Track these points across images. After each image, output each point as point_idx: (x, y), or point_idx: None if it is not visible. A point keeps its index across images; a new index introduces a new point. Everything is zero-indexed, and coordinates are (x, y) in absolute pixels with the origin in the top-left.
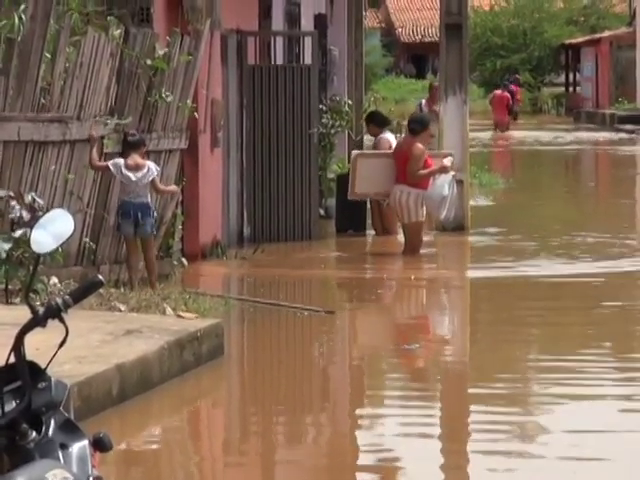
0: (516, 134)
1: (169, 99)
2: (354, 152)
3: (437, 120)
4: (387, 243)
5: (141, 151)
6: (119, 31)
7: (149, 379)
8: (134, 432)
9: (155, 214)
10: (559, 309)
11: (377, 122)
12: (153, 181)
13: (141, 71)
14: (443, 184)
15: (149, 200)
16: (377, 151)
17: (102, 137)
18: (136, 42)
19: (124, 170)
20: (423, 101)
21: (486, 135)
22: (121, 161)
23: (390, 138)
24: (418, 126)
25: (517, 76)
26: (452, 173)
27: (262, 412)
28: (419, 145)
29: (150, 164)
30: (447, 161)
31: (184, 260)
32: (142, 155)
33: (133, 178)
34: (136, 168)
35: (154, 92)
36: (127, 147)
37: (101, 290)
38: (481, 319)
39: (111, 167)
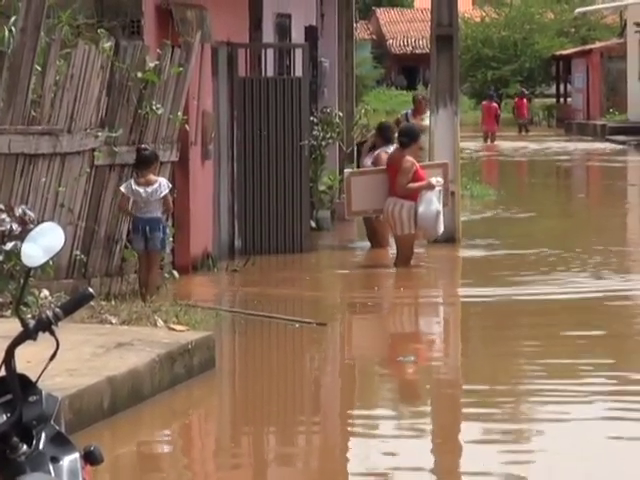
0: (507, 145)
1: (160, 111)
2: (346, 171)
3: (422, 132)
4: (379, 256)
5: (154, 166)
6: (109, 43)
7: (140, 392)
8: (125, 445)
9: (167, 230)
10: (552, 329)
11: (384, 136)
12: (165, 198)
13: (132, 83)
14: (432, 199)
15: (159, 215)
16: (368, 168)
17: (93, 150)
18: (127, 54)
19: (134, 186)
20: (409, 111)
21: (475, 146)
22: (131, 180)
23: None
24: (406, 139)
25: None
26: (438, 188)
27: (253, 425)
28: (408, 158)
29: (162, 180)
30: (434, 180)
31: (175, 272)
32: (155, 170)
33: (143, 194)
34: (146, 184)
35: (145, 104)
36: (138, 163)
37: (92, 303)
38: (473, 331)
39: (124, 190)
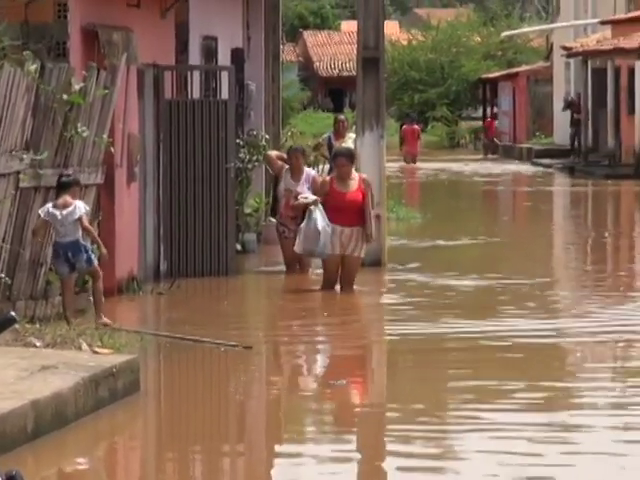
0: (433, 166)
1: (85, 134)
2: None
3: None
4: (304, 280)
5: (73, 191)
6: (35, 65)
7: (64, 415)
8: (48, 469)
9: (89, 247)
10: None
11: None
12: (80, 219)
13: (57, 106)
14: (315, 217)
15: (78, 238)
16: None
17: (18, 172)
18: (52, 76)
19: (51, 209)
20: (331, 134)
21: (396, 167)
22: (49, 203)
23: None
24: (331, 162)
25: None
26: (313, 206)
27: (178, 449)
28: (317, 178)
29: (78, 202)
30: (301, 198)
31: None
32: (74, 195)
33: (59, 216)
34: (63, 206)
35: (70, 127)
36: (59, 188)
37: (17, 326)
38: (397, 355)
39: (41, 214)
